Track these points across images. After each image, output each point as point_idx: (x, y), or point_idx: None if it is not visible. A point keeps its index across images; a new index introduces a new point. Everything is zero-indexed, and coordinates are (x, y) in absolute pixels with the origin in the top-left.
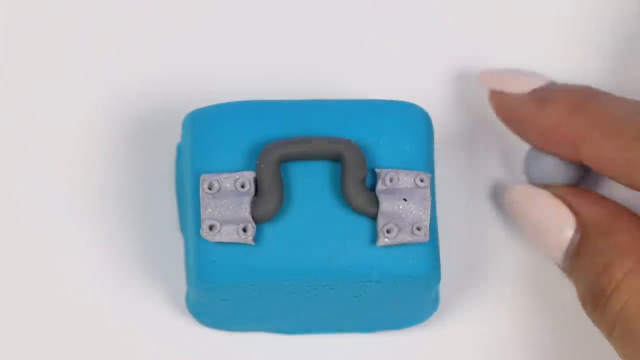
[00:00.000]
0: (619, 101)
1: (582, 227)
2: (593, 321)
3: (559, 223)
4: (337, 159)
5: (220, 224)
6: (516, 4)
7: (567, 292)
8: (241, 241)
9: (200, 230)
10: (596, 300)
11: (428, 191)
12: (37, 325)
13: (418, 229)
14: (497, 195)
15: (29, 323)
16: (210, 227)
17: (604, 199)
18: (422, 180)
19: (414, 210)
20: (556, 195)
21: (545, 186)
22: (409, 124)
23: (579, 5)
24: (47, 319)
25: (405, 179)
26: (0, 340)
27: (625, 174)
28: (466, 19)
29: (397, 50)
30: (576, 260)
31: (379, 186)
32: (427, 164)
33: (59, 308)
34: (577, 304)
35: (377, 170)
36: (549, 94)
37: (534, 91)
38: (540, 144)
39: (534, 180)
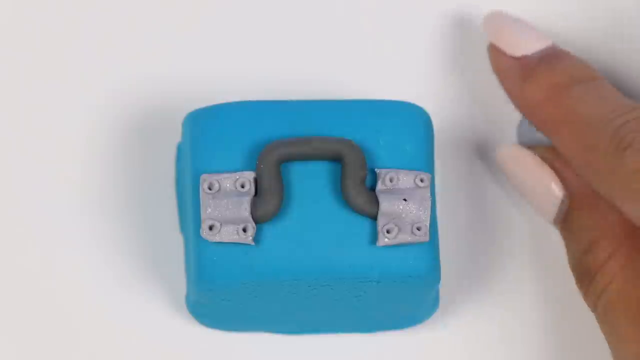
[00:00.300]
0: (601, 96)
1: (570, 195)
2: (581, 294)
3: (547, 191)
4: (337, 159)
5: (220, 224)
6: (516, 3)
7: (567, 292)
8: (241, 241)
9: (200, 230)
10: (582, 278)
11: (428, 191)
12: (37, 325)
13: (418, 229)
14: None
15: (29, 323)
16: (210, 227)
17: None
18: (422, 180)
19: (414, 210)
20: (544, 159)
21: (537, 147)
22: (409, 124)
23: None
24: (47, 318)
25: (405, 179)
26: (0, 340)
27: (587, 176)
28: (466, 19)
29: (397, 50)
30: (565, 228)
31: (379, 186)
32: (427, 164)
33: (59, 308)
34: (578, 303)
35: (377, 171)
36: (535, 69)
37: (524, 58)
38: (525, 116)
39: (522, 143)
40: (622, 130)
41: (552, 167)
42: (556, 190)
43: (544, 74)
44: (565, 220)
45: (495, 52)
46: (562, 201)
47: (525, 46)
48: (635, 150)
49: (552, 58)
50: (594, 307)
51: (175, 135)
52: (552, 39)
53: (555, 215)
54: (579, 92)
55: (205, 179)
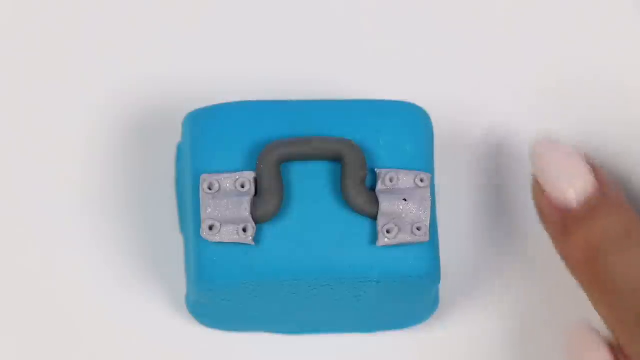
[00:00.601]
0: (634, 264)
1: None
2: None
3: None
4: (337, 159)
5: (220, 224)
6: (517, 3)
7: (567, 291)
8: (241, 241)
9: (200, 230)
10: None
11: (428, 191)
12: (37, 325)
13: (418, 229)
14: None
15: (29, 323)
16: (210, 227)
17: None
18: (422, 180)
19: (414, 210)
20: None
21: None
22: (409, 124)
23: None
24: (47, 318)
25: (405, 179)
26: (0, 340)
27: (622, 345)
28: (467, 19)
29: (397, 50)
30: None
31: (379, 186)
32: (427, 164)
33: (59, 308)
34: (578, 303)
35: (377, 171)
36: (573, 225)
37: (565, 209)
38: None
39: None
40: None
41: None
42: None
43: (582, 232)
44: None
45: (538, 189)
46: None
47: (568, 198)
48: None
49: (591, 211)
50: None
51: (175, 135)
52: (596, 174)
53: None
54: (612, 259)
55: (205, 179)
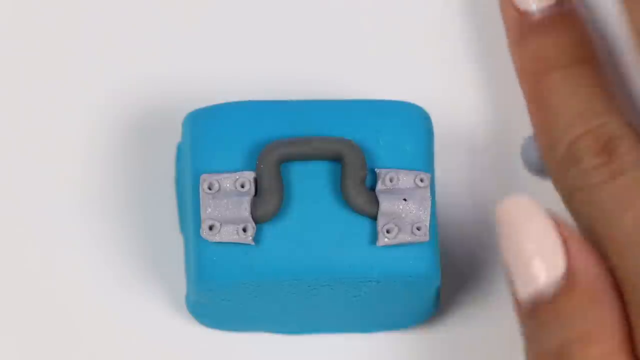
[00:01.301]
0: (576, 92)
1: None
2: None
3: (545, 264)
4: (337, 159)
5: (220, 224)
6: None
7: None
8: (241, 241)
9: (200, 230)
10: None
11: (428, 191)
12: (37, 325)
13: (418, 228)
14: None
15: (29, 323)
16: (210, 227)
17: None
18: (422, 180)
19: (414, 210)
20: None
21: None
22: (409, 124)
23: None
24: (47, 318)
25: (405, 179)
26: (0, 340)
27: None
28: (467, 19)
29: (397, 50)
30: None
31: (379, 186)
32: (427, 164)
33: (59, 308)
34: None
35: (377, 170)
36: (528, 33)
37: (525, 14)
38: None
39: (529, 168)
40: (577, 143)
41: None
42: (558, 266)
43: (534, 43)
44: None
45: (506, 4)
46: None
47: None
48: (580, 170)
49: (551, 24)
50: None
51: (175, 135)
52: None
53: (534, 294)
54: (555, 80)
55: (205, 179)
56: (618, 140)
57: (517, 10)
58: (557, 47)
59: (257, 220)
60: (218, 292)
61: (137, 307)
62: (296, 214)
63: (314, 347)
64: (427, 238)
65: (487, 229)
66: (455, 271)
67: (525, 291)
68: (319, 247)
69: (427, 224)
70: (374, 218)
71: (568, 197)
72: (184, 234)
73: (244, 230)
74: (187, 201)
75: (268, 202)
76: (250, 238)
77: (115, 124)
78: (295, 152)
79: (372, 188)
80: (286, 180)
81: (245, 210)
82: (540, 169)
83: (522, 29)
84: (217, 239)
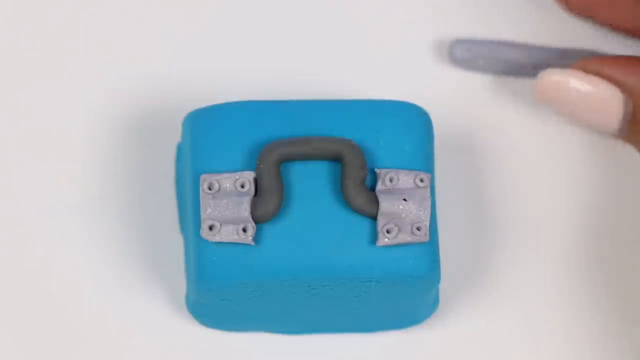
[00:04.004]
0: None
1: (631, 94)
2: None
3: (605, 101)
4: (337, 159)
5: (220, 224)
6: (516, 4)
7: (567, 291)
8: (241, 241)
9: (200, 230)
10: None
11: (428, 191)
12: (37, 325)
13: (418, 229)
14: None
15: (29, 323)
16: (210, 227)
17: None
18: (422, 180)
19: (414, 210)
20: (590, 71)
21: (572, 65)
22: (409, 124)
23: None
24: (47, 318)
25: (405, 179)
26: (0, 340)
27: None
28: (467, 19)
29: (397, 51)
30: (635, 133)
31: (379, 186)
32: (427, 164)
33: (59, 308)
34: (577, 303)
35: (377, 171)
36: None
37: None
38: None
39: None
40: None
41: (600, 76)
42: (615, 96)
43: None
44: (635, 123)
45: None
46: (625, 104)
47: None
48: None
49: None
50: None
51: (175, 135)
52: None
53: (621, 123)
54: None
55: (205, 179)
56: None
57: None
58: None
59: (257, 220)
60: (218, 292)
61: (137, 307)
62: (296, 214)
63: (314, 347)
64: (427, 238)
65: (487, 229)
66: (455, 271)
67: None
68: (319, 247)
69: (427, 224)
70: (374, 218)
71: None
72: (184, 234)
73: (244, 230)
74: (187, 201)
75: (268, 202)
76: (250, 238)
77: (115, 124)
78: (295, 152)
79: (372, 188)
80: (286, 180)
81: (245, 210)
82: (467, 65)
83: None
84: (217, 239)
